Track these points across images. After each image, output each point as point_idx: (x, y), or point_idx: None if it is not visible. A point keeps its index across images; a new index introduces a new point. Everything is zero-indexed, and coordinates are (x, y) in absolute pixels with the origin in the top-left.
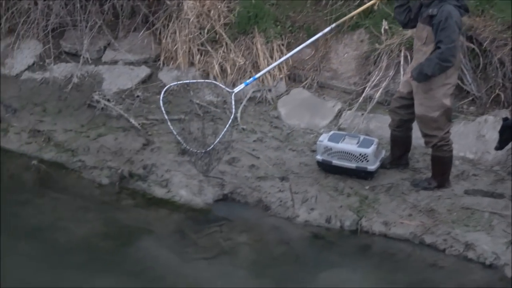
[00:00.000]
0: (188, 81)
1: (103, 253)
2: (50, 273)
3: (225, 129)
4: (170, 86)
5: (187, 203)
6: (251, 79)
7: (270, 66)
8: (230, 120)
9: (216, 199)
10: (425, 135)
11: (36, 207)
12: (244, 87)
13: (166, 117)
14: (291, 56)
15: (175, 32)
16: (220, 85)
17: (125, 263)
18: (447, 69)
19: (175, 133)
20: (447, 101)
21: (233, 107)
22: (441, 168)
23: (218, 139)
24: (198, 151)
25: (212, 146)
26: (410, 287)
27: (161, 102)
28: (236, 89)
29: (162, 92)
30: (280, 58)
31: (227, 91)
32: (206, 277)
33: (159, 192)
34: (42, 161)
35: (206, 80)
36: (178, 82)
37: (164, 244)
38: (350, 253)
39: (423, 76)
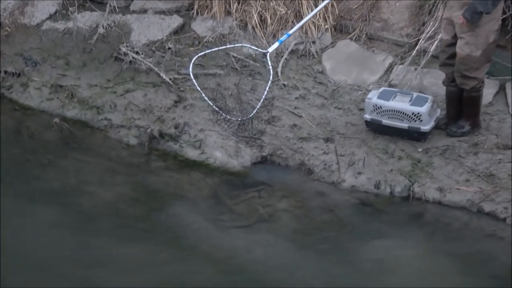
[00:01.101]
0: (213, 49)
1: (131, 219)
2: (75, 240)
3: (263, 96)
4: (198, 57)
5: (222, 165)
6: (285, 35)
7: (307, 17)
8: (268, 84)
9: (254, 161)
10: (463, 77)
11: (58, 170)
12: (280, 44)
13: (199, 90)
14: (330, 3)
15: None
16: (253, 47)
17: (155, 230)
18: (499, 3)
19: (211, 104)
20: (492, 37)
21: (270, 68)
22: (475, 108)
23: (256, 107)
24: (235, 119)
25: (251, 115)
26: (467, 258)
27: (191, 74)
28: (270, 49)
29: (191, 64)
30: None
31: (261, 51)
32: (243, 246)
33: (192, 153)
34: (64, 119)
35: (236, 45)
36: (204, 52)
37: (197, 211)
38: (401, 222)
39: (477, 15)
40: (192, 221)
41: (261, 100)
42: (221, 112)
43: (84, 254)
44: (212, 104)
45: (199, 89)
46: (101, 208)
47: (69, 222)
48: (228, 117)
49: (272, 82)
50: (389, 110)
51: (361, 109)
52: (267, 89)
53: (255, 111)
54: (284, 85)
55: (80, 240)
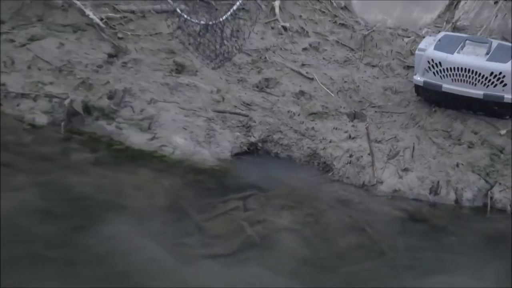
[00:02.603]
0: None
1: (40, 244)
2: None
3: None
4: None
5: (185, 158)
6: None
7: None
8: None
9: (237, 151)
10: None
11: None
12: None
13: None
14: None
15: None
16: None
17: (77, 263)
18: None
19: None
20: None
21: None
22: None
23: (228, 13)
24: (198, 22)
25: (220, 19)
26: None
27: None
28: None
29: None
30: None
31: None
32: None
33: (137, 139)
34: None
35: None
36: None
37: (145, 230)
38: (474, 247)
39: None
40: (137, 247)
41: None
42: (181, 13)
43: None
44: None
45: None
46: None
47: None
48: (189, 17)
49: (266, 23)
50: (454, 69)
51: (409, 67)
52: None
53: (225, 16)
54: (285, 28)
55: None
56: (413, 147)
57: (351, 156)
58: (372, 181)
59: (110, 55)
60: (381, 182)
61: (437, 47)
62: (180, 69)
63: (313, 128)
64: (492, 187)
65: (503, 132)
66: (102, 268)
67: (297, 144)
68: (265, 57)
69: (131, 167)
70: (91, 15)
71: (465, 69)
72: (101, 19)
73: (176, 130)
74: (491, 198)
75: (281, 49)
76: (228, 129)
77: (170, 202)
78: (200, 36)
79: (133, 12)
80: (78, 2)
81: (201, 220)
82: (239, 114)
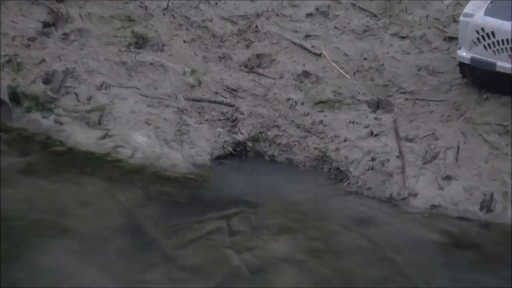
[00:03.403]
0: None
1: None
2: None
3: None
4: None
5: (149, 163)
6: None
7: None
8: None
9: (218, 154)
10: None
11: None
12: None
13: None
14: None
15: None
16: None
17: None
18: None
19: None
20: None
21: None
22: None
23: None
24: None
25: None
26: None
27: None
28: None
29: None
30: None
31: None
32: None
33: (82, 137)
34: None
35: None
36: None
37: (92, 262)
38: None
39: None
40: (83, 284)
41: None
42: None
43: None
44: None
45: None
46: None
47: None
48: None
49: None
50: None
51: (451, 39)
52: None
53: None
54: None
55: None
56: (458, 147)
57: (373, 159)
58: (402, 193)
59: (46, 24)
60: (415, 195)
61: (488, 12)
62: (141, 42)
63: (321, 121)
64: None
65: None
66: None
67: (300, 143)
68: (256, 26)
69: (75, 176)
70: None
71: None
72: None
73: (136, 126)
74: None
75: (277, 15)
76: (206, 124)
77: (128, 222)
78: None
79: None
80: None
81: (170, 247)
82: (221, 103)
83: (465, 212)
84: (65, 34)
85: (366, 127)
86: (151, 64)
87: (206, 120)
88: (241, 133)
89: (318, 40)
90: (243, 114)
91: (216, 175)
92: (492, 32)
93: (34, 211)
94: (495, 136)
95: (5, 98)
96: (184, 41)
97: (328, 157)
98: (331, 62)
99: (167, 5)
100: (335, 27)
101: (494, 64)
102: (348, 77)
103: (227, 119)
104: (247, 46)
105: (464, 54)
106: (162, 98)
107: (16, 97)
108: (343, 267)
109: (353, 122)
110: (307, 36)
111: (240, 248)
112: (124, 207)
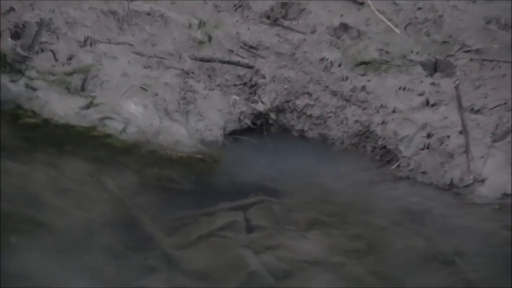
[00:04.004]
0: None
1: None
2: None
3: None
4: None
5: (145, 140)
6: None
7: None
8: None
9: (233, 128)
10: None
11: None
12: None
13: None
14: None
15: None
16: None
17: None
18: None
19: None
20: None
21: None
22: None
23: None
24: None
25: None
26: None
27: None
28: None
29: None
30: None
31: None
32: None
33: (61, 107)
34: None
35: None
36: None
37: (75, 265)
38: None
39: None
40: None
41: None
42: None
43: None
44: None
45: None
46: None
47: None
48: None
49: None
50: None
51: None
52: None
53: None
54: None
55: None
56: None
57: (429, 136)
58: (466, 178)
59: None
60: (482, 181)
61: None
62: None
63: (363, 88)
64: None
65: None
66: None
67: (336, 115)
68: None
69: (52, 156)
70: None
71: None
72: None
73: (129, 92)
74: None
75: None
76: (218, 90)
77: (119, 215)
78: None
79: None
80: None
81: (171, 246)
82: (237, 64)
83: None
84: None
85: (421, 95)
86: (149, 14)
87: (218, 86)
88: (262, 102)
89: None
90: (265, 78)
91: (230, 155)
92: None
93: (2, 200)
94: None
95: None
96: None
97: (372, 132)
98: (376, 12)
99: None
100: None
101: None
102: (398, 32)
103: (244, 84)
104: None
105: None
106: (162, 58)
107: None
108: (390, 272)
109: (404, 89)
110: None
111: (260, 247)
112: (113, 196)
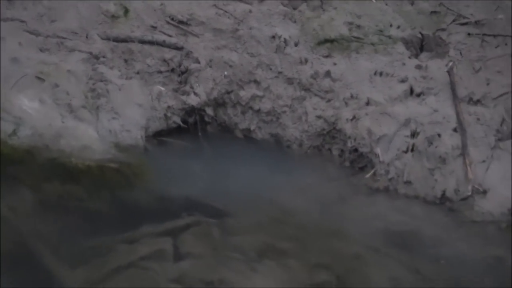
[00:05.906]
0: None
1: None
2: None
3: None
4: None
5: (42, 145)
6: None
7: None
8: None
9: (158, 128)
10: None
11: None
12: None
13: None
14: None
15: None
16: None
17: None
18: None
19: None
20: None
21: None
22: None
23: None
24: None
25: None
26: None
27: None
28: None
29: None
30: None
31: None
32: None
33: None
34: None
35: None
36: None
37: None
38: None
39: None
40: None
41: None
42: None
43: None
44: None
45: None
46: None
47: None
48: None
49: None
50: None
51: None
52: None
53: None
54: None
55: None
56: None
57: (414, 135)
58: (464, 190)
59: None
60: (483, 192)
61: None
62: None
63: (328, 73)
64: None
65: None
66: None
67: (293, 109)
68: None
69: None
70: None
71: None
72: None
73: (22, 84)
74: None
75: None
76: (138, 79)
77: (8, 247)
78: None
79: None
80: None
81: (79, 281)
82: (162, 44)
83: None
84: None
85: (403, 81)
86: None
87: (137, 73)
88: (195, 93)
89: None
90: (199, 63)
91: (154, 163)
92: None
93: None
94: None
95: None
96: None
97: (339, 131)
98: None
99: None
100: None
101: None
102: (374, 1)
103: (172, 70)
104: None
105: None
106: (63, 37)
107: None
108: None
109: (380, 74)
110: None
111: (193, 282)
112: (1, 221)
